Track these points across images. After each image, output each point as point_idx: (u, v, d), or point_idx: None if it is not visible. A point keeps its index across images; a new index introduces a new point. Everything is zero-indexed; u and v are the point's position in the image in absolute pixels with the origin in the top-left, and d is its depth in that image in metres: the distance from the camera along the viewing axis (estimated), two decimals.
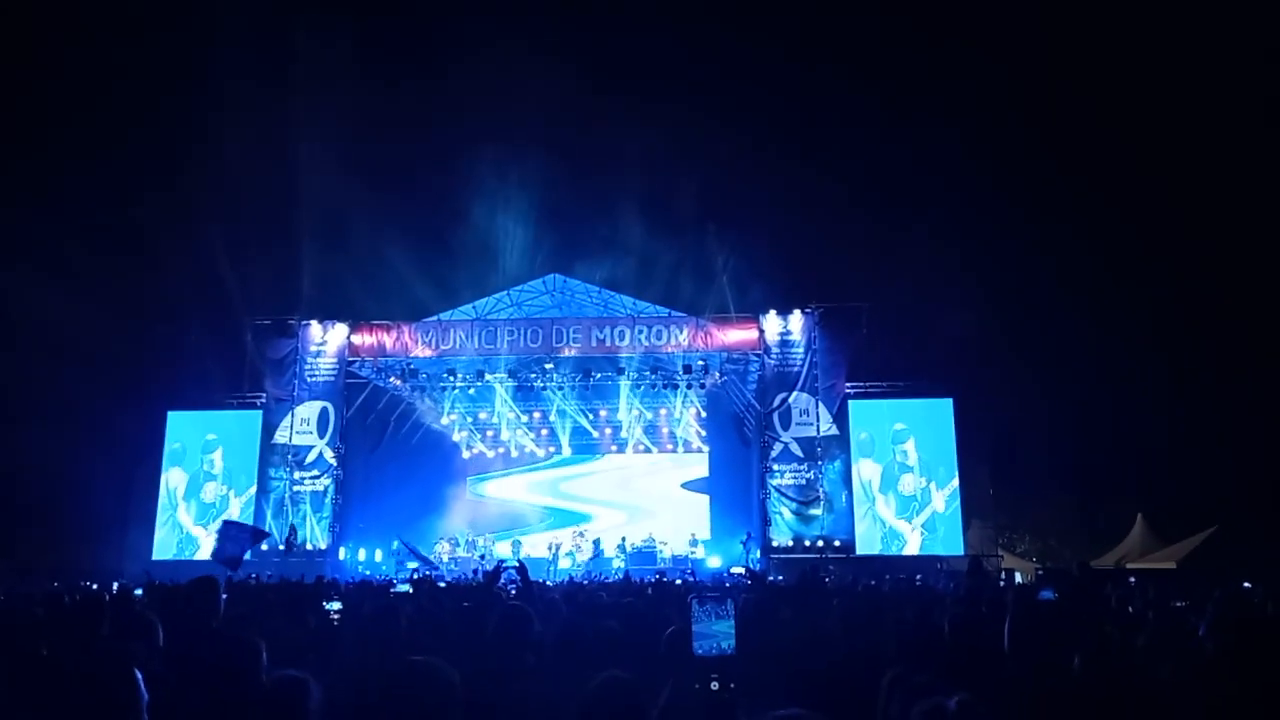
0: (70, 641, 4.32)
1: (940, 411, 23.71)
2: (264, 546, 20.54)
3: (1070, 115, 30.24)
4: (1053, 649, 3.65)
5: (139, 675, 2.52)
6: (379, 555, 24.56)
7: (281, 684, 2.58)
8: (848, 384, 23.82)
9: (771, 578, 17.61)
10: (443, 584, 11.59)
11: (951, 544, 22.75)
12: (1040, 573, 18.44)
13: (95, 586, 14.16)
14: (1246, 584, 9.87)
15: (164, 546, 23.56)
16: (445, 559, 24.26)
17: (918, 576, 18.44)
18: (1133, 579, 11.85)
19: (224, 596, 4.55)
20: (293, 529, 22.40)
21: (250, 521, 23.46)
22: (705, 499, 27.49)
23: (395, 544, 24.11)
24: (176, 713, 3.02)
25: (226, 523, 12.23)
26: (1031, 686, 3.38)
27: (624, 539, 24.62)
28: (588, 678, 3.41)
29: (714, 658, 2.68)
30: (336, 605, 5.38)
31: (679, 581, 13.90)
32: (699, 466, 28.03)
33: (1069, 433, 30.00)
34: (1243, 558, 16.25)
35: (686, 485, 28.15)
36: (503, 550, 25.28)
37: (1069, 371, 30.69)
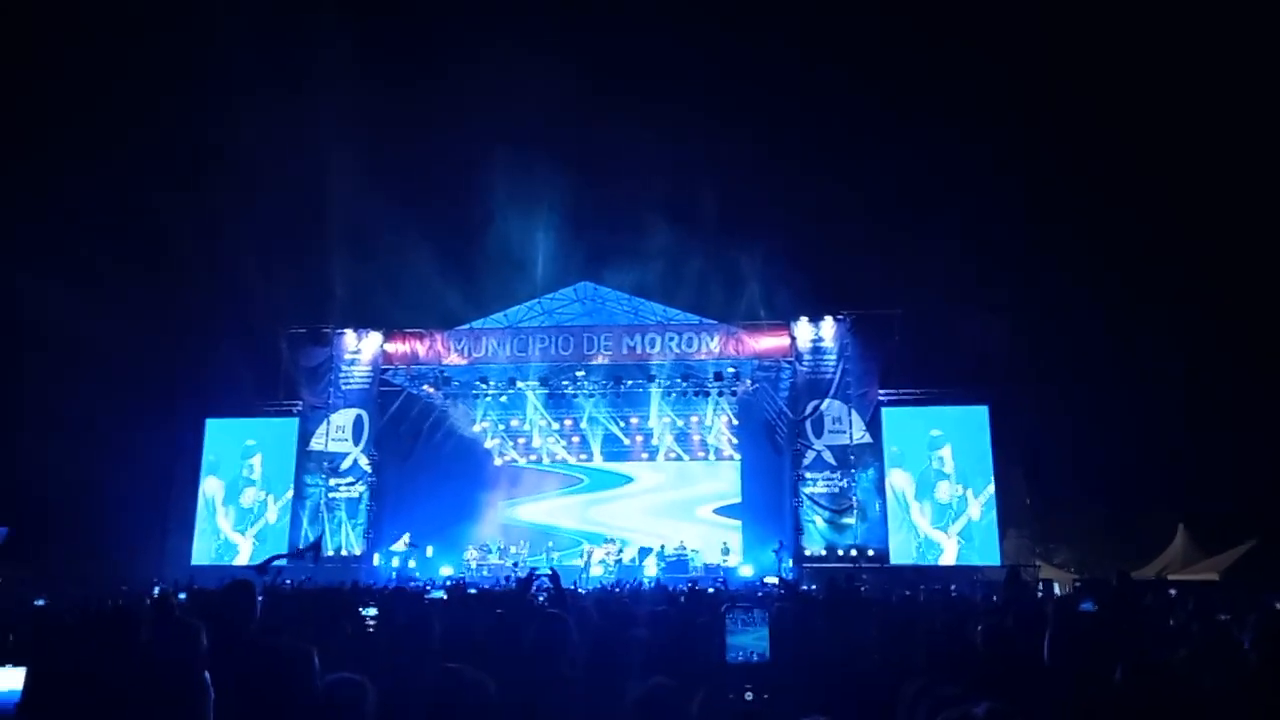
0: (110, 647, 4.39)
1: (975, 419, 23.46)
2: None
3: (1104, 120, 29.85)
4: (1094, 661, 3.60)
5: (207, 677, 2.56)
6: (413, 563, 24.72)
7: (338, 687, 2.60)
8: (881, 391, 23.64)
9: (804, 587, 17.51)
10: (473, 590, 11.64)
11: (988, 554, 22.48)
12: (1079, 584, 18.14)
13: (126, 590, 14.36)
14: None
15: (203, 552, 23.90)
16: (474, 565, 24.37)
17: (953, 587, 18.24)
18: (1173, 590, 11.62)
19: (260, 600, 4.60)
20: (317, 543, 22.56)
21: (286, 528, 23.83)
22: (737, 523, 27.33)
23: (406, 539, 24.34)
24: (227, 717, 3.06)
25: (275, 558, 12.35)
26: (1072, 698, 3.33)
27: (661, 547, 24.62)
28: (623, 687, 3.42)
29: (747, 666, 2.67)
30: (372, 611, 5.43)
31: (711, 590, 13.84)
32: (731, 477, 27.91)
33: (1107, 441, 29.54)
34: None
35: (719, 511, 28.03)
36: (534, 554, 25.44)
37: (1107, 378, 30.22)
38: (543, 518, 28.55)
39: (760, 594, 14.26)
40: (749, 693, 2.62)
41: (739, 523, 26.96)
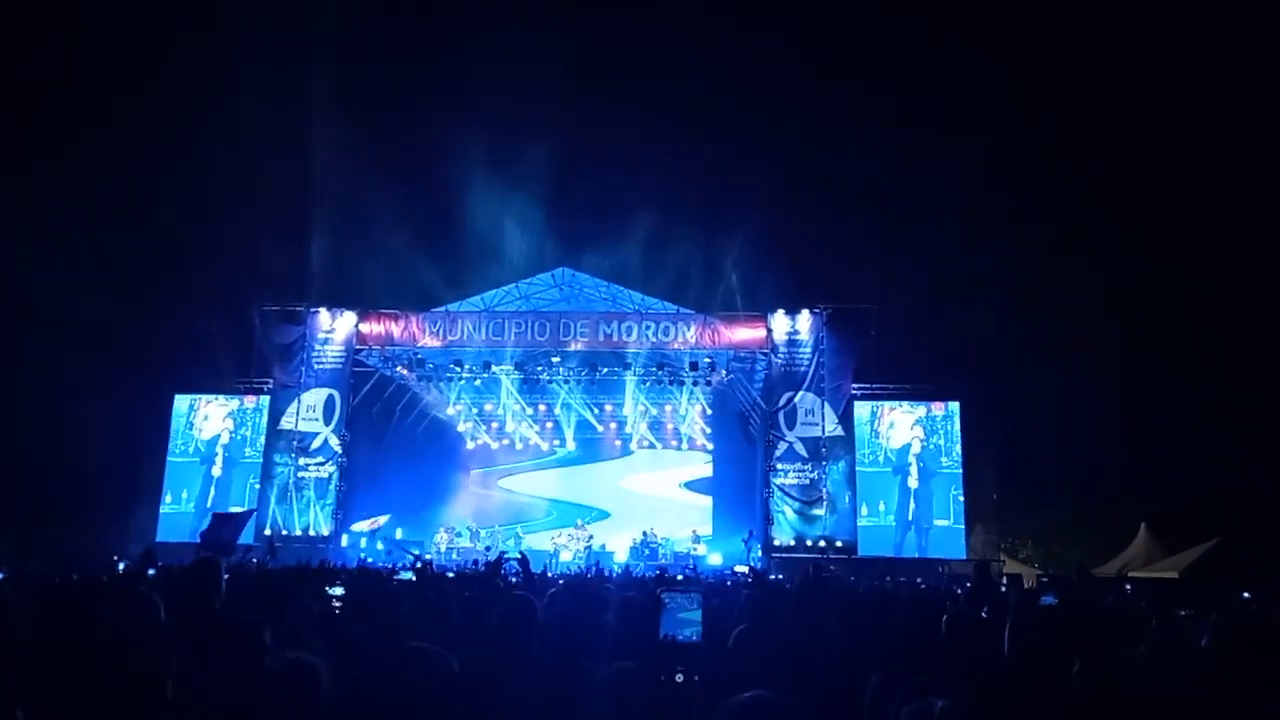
0: (72, 622, 4.34)
1: (946, 415, 23.71)
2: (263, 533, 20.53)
3: (1076, 118, 30.12)
4: (1052, 654, 3.65)
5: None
6: (380, 545, 24.61)
7: (291, 668, 2.57)
8: (854, 385, 23.80)
9: (772, 576, 17.62)
10: (451, 574, 11.62)
11: (954, 548, 22.75)
12: (1043, 579, 18.40)
13: (93, 564, 14.19)
14: (1246, 594, 9.84)
15: (168, 528, 23.65)
16: (444, 548, 24.29)
17: (919, 580, 18.44)
18: (1129, 586, 11.81)
19: (225, 578, 4.56)
20: (271, 545, 22.14)
21: (255, 505, 23.62)
22: (708, 499, 27.49)
23: (381, 546, 24.18)
24: (184, 694, 3.03)
25: (216, 515, 12.20)
26: (1029, 690, 3.37)
27: (632, 540, 24.67)
28: (588, 667, 3.43)
29: (678, 646, 2.69)
30: (339, 590, 5.41)
31: (680, 577, 13.91)
32: (703, 464, 28.04)
33: (1074, 439, 29.95)
34: (1245, 569, 16.19)
35: (688, 485, 28.17)
36: (505, 536, 25.40)
37: (1076, 379, 30.59)
38: (517, 486, 28.49)
39: (729, 582, 14.35)
40: (680, 674, 2.64)
41: (709, 500, 27.10)
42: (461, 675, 2.19)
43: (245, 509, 20.40)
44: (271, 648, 3.45)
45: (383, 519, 24.81)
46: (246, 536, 22.84)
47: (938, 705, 1.92)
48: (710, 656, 3.01)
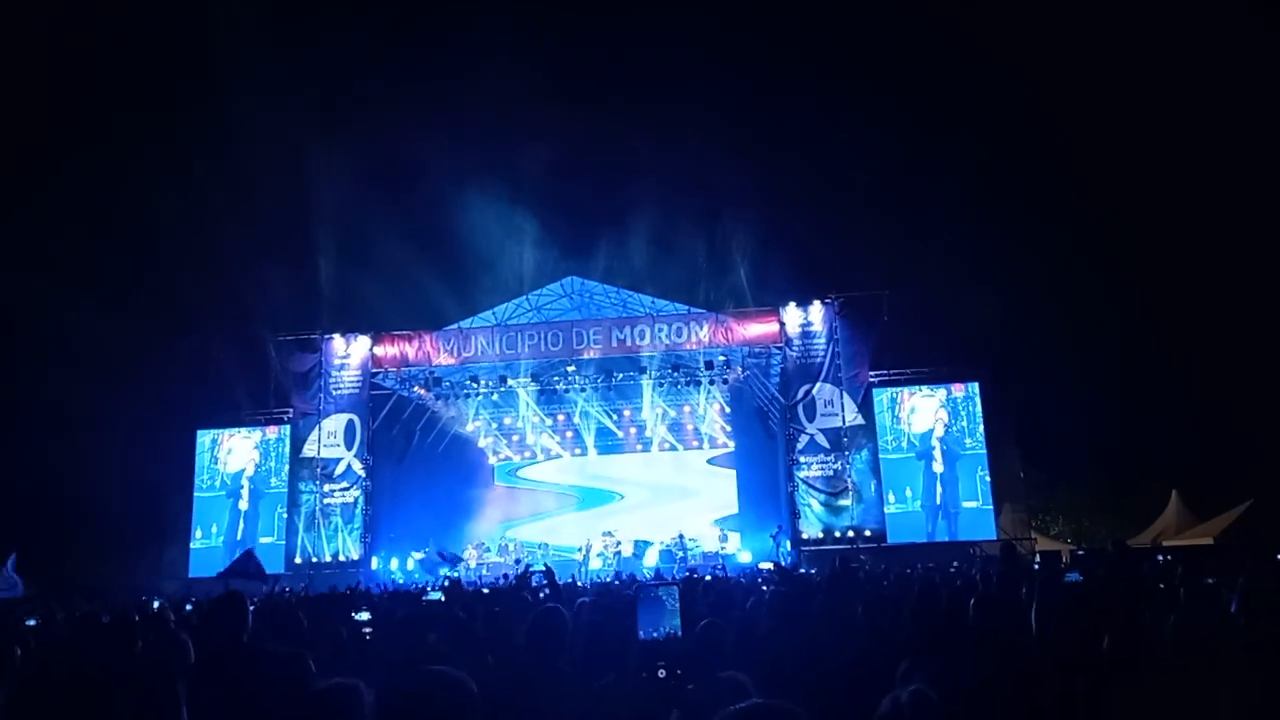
0: (108, 660, 4.39)
1: (967, 396, 23.56)
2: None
3: (1089, 101, 29.92)
4: (1082, 630, 3.62)
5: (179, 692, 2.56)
6: (410, 564, 24.70)
7: (332, 692, 2.58)
8: (871, 372, 23.69)
9: (803, 570, 17.55)
10: (485, 590, 11.65)
11: (984, 529, 22.57)
12: (1079, 553, 18.23)
13: (125, 601, 14.31)
14: None
15: (200, 564, 23.79)
16: (474, 564, 24.35)
17: (954, 564, 18.30)
18: (1164, 556, 11.69)
19: (251, 609, 4.60)
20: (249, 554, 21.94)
21: (281, 536, 23.80)
22: (732, 475, 27.38)
23: (429, 549, 24.21)
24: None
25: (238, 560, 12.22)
26: (1058, 667, 3.35)
27: (662, 543, 24.60)
28: (619, 678, 3.43)
29: (658, 644, 2.70)
30: (366, 615, 5.43)
31: (708, 577, 13.89)
32: (725, 461, 27.99)
33: (1099, 412, 29.70)
34: None
35: (712, 461, 28.09)
36: (531, 535, 25.30)
37: (1097, 349, 30.36)
38: (541, 536, 28.40)
39: (759, 579, 14.31)
40: (661, 670, 2.65)
41: (733, 473, 27.04)
42: (485, 694, 2.20)
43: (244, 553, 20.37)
44: (315, 674, 3.49)
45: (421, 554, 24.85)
46: (277, 565, 23.12)
47: (905, 693, 1.92)
48: (711, 656, 3.01)
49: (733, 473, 27.65)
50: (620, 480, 28.40)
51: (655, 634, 2.74)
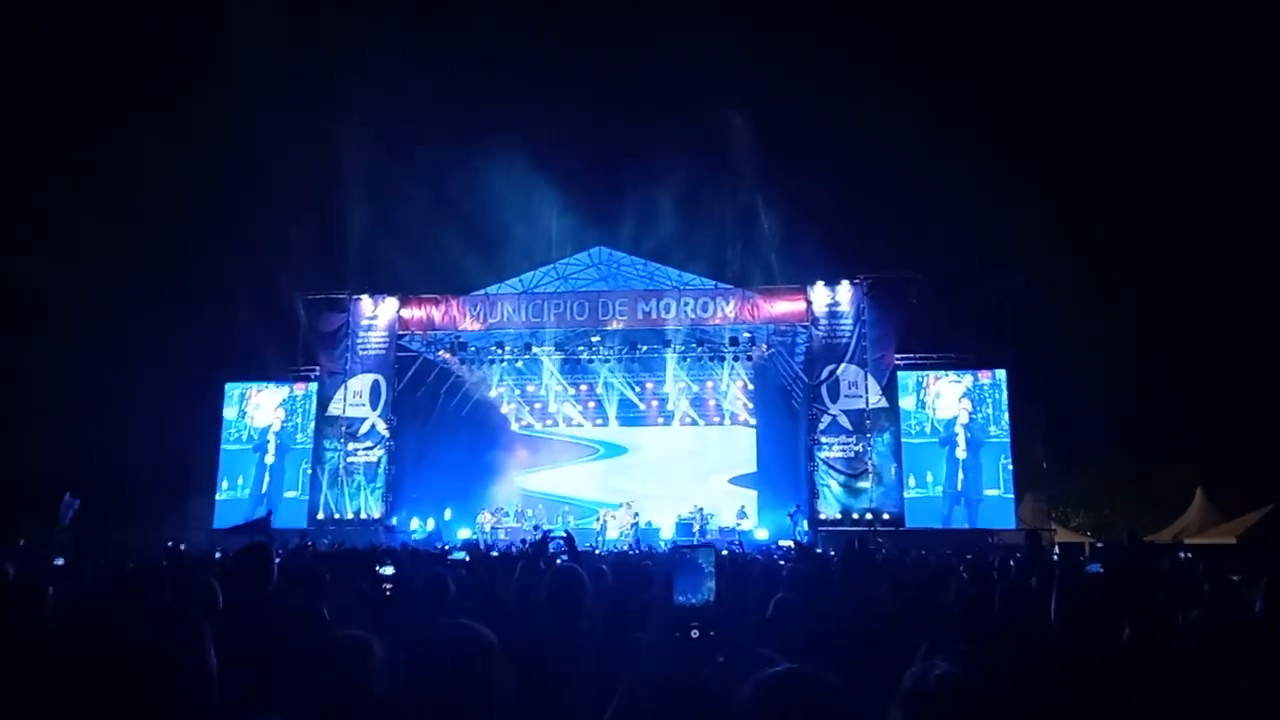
0: (138, 603, 4.48)
1: (994, 384, 23.37)
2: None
3: (1119, 82, 29.33)
4: (1102, 621, 3.61)
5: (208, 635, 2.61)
6: (430, 524, 24.99)
7: (345, 644, 2.66)
8: (897, 355, 23.55)
9: (819, 550, 17.59)
10: (495, 553, 11.77)
11: (1004, 518, 22.48)
12: (1097, 546, 18.13)
13: (158, 552, 14.60)
14: None
15: (225, 515, 24.19)
16: (488, 529, 24.58)
17: (968, 554, 18.24)
18: (1185, 554, 11.60)
19: (277, 561, 4.67)
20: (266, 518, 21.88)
21: (305, 491, 24.16)
22: (753, 473, 27.40)
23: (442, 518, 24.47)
24: (239, 674, 3.12)
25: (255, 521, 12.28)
26: (1079, 658, 3.35)
27: (679, 516, 24.70)
28: (635, 640, 3.46)
29: (693, 607, 2.74)
30: (389, 570, 5.52)
31: (725, 552, 13.95)
32: (746, 442, 27.93)
33: (1127, 404, 29.39)
34: None
35: (735, 480, 27.99)
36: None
37: (1126, 340, 29.99)
38: (559, 487, 28.68)
39: (776, 556, 14.36)
40: (694, 629, 2.69)
41: (754, 493, 26.99)
42: (505, 649, 2.23)
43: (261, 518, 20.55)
44: (330, 626, 3.55)
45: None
46: (299, 521, 23.47)
47: (935, 671, 1.92)
48: (737, 624, 3.04)
49: (753, 450, 27.64)
50: (640, 446, 28.48)
51: (691, 600, 2.78)
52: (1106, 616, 3.60)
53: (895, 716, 1.87)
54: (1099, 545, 19.73)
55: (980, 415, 23.18)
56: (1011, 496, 22.72)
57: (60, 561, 7.50)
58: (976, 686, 1.87)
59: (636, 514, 24.91)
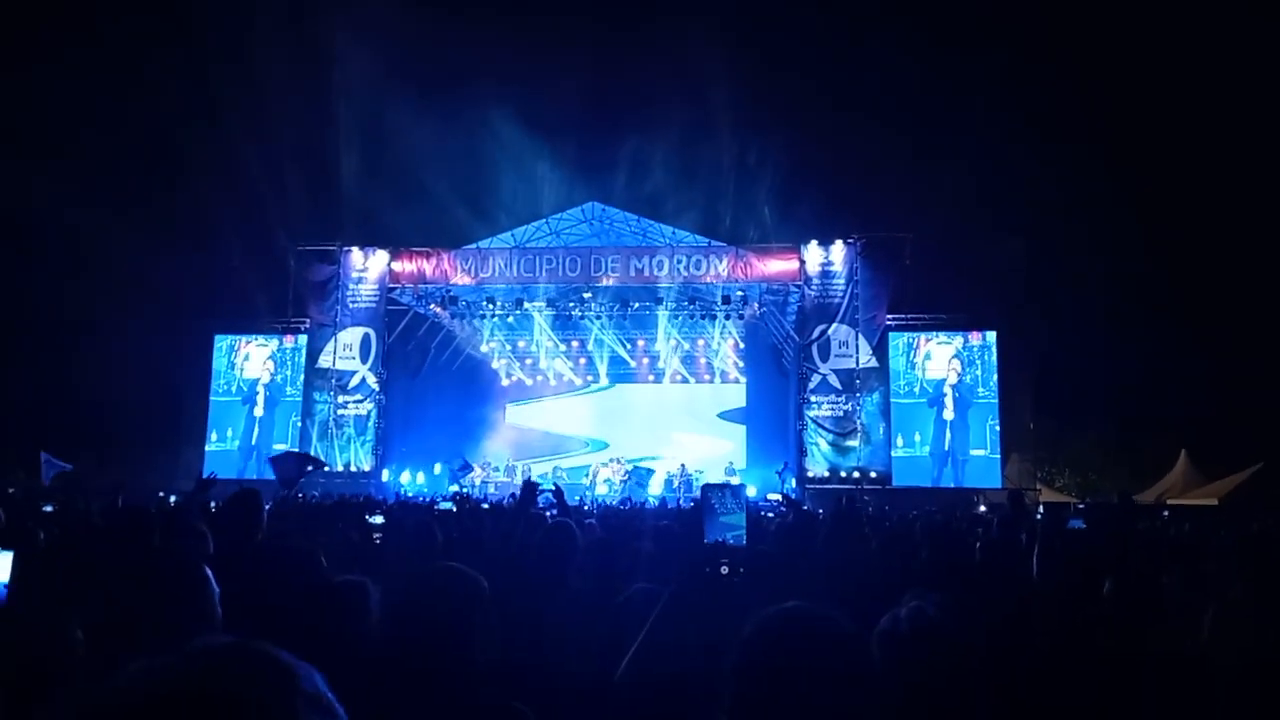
0: (133, 545, 4.50)
1: (984, 345, 23.47)
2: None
3: (1113, 44, 29.05)
4: (1083, 574, 3.67)
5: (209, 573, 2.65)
6: (420, 478, 25.09)
7: (342, 586, 2.70)
8: (889, 316, 23.59)
9: (806, 507, 17.75)
10: (485, 505, 11.85)
11: (990, 477, 22.72)
12: (1079, 506, 18.33)
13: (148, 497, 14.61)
14: None
15: (214, 466, 24.20)
16: (478, 482, 24.68)
17: (957, 511, 18.45)
18: (1166, 513, 11.76)
19: (267, 509, 4.69)
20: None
21: (296, 444, 24.13)
22: (742, 429, 27.59)
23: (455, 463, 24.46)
24: (237, 614, 3.15)
25: (274, 458, 12.19)
26: (1060, 612, 3.40)
27: (667, 474, 24.80)
28: (620, 590, 3.51)
29: (724, 546, 2.77)
30: (379, 519, 5.55)
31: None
32: (736, 397, 28.10)
33: (1113, 366, 29.54)
34: None
35: (723, 415, 28.25)
36: (541, 470, 25.67)
37: (1117, 302, 30.06)
38: (550, 422, 28.72)
39: (764, 510, 14.47)
40: (725, 566, 2.72)
41: (743, 428, 27.16)
42: (494, 595, 2.25)
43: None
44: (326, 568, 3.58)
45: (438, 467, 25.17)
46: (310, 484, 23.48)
47: (904, 608, 1.96)
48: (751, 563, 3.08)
49: (742, 408, 27.78)
50: (629, 407, 28.50)
51: (724, 538, 2.82)
52: (1087, 570, 3.66)
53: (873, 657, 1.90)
54: (1080, 506, 19.96)
55: (969, 376, 23.31)
56: (998, 457, 22.94)
57: (49, 509, 7.51)
58: (948, 628, 1.90)
59: (629, 470, 24.85)
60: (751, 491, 23.80)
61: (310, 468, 10.74)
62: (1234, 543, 3.88)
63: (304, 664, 0.89)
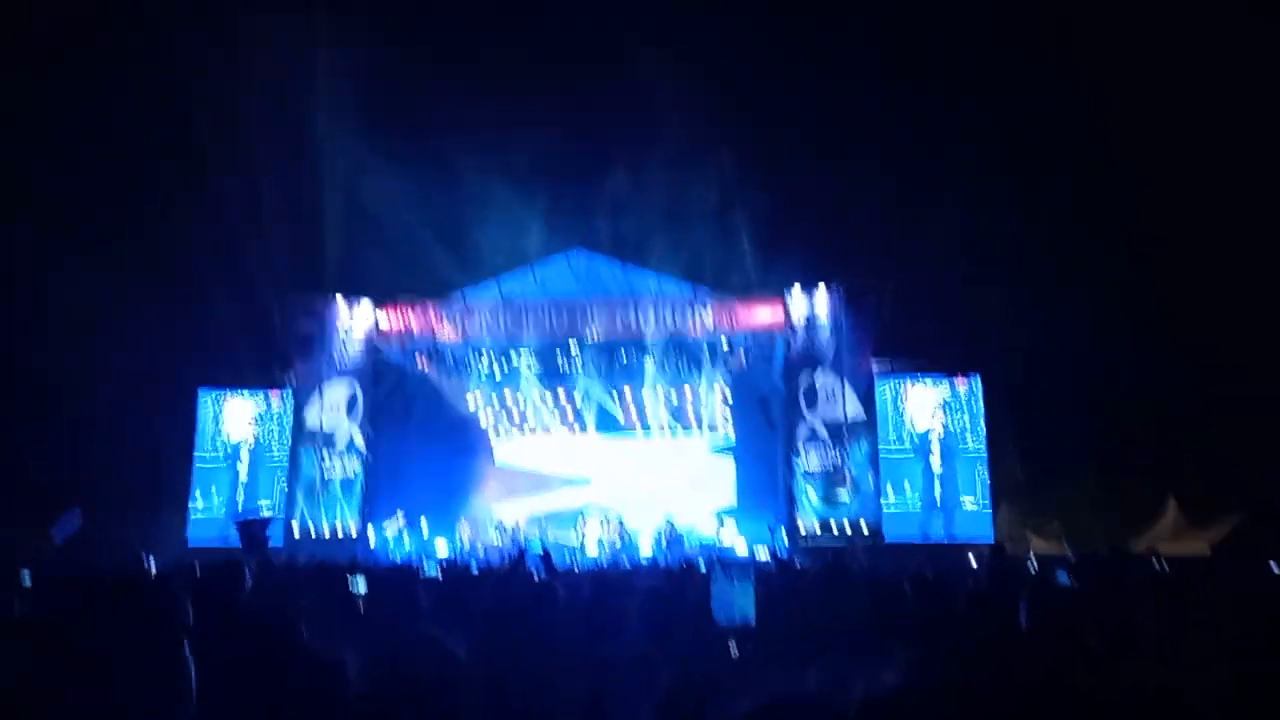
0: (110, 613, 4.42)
1: (970, 392, 23.56)
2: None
3: (1094, 85, 29.60)
4: (1071, 628, 3.65)
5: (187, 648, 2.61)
6: (407, 538, 24.80)
7: (320, 660, 2.67)
8: (875, 362, 23.67)
9: (799, 564, 17.63)
10: (475, 572, 11.68)
11: (981, 528, 22.62)
12: (1070, 558, 18.25)
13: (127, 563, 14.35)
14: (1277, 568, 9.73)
15: (199, 533, 23.75)
16: (466, 541, 24.38)
17: (947, 564, 18.33)
18: (1158, 561, 11.73)
19: (249, 580, 4.64)
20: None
21: (282, 506, 23.83)
22: (730, 478, 27.26)
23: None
24: (216, 685, 3.10)
25: (240, 523, 11.59)
26: (1049, 665, 3.38)
27: (656, 530, 24.52)
28: (611, 655, 3.47)
29: (733, 628, 2.75)
30: (362, 586, 5.49)
31: (704, 568, 13.96)
32: (725, 457, 27.81)
33: (1100, 413, 29.58)
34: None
35: (717, 450, 27.80)
36: (531, 506, 25.25)
37: (1102, 348, 30.22)
38: (537, 461, 28.24)
39: (753, 566, 14.36)
40: (732, 643, 2.73)
41: (732, 475, 26.87)
42: (475, 664, 2.22)
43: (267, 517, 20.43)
44: (307, 640, 3.52)
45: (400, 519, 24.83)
46: (275, 539, 23.13)
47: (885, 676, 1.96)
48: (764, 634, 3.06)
49: (730, 461, 27.62)
50: (614, 461, 28.23)
51: (731, 620, 2.82)
52: (1076, 625, 3.64)
53: None
54: (1071, 558, 19.87)
55: (955, 425, 23.34)
56: (989, 510, 22.85)
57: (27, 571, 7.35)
58: (928, 690, 1.89)
59: (618, 528, 24.39)
60: (742, 549, 23.61)
61: (267, 531, 10.54)
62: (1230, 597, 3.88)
63: None
